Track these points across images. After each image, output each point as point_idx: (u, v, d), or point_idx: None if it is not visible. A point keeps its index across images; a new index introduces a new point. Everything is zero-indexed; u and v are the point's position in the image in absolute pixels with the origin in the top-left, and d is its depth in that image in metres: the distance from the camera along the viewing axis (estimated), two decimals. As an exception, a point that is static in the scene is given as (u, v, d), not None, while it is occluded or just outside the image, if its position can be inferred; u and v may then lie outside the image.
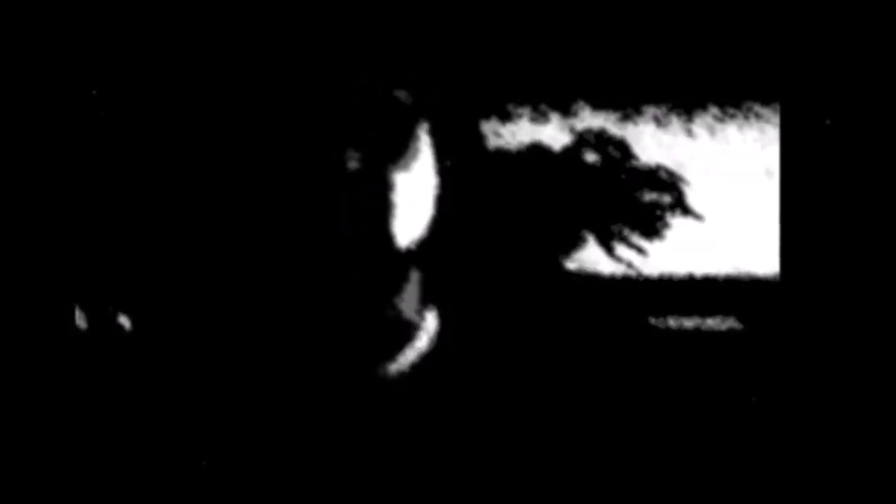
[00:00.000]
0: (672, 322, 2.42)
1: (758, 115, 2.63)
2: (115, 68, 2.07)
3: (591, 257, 2.53)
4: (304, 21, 0.99)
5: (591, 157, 2.55)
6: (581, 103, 2.61)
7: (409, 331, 1.09)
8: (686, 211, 2.56)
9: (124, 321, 1.85)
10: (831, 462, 1.01)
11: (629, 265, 2.53)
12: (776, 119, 2.61)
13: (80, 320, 1.82)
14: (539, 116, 2.57)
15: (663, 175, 2.57)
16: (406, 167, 1.01)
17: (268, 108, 1.00)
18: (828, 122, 0.93)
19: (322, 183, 0.98)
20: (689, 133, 2.66)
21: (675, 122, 2.65)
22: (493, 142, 2.47)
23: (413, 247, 1.02)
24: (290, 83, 1.00)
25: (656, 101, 2.63)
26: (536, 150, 2.52)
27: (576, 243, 2.51)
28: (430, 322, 1.11)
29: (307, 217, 0.99)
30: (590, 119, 2.61)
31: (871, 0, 1.03)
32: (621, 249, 2.54)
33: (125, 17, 2.01)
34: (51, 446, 1.07)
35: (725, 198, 2.62)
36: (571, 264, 2.50)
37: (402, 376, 1.08)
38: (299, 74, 0.99)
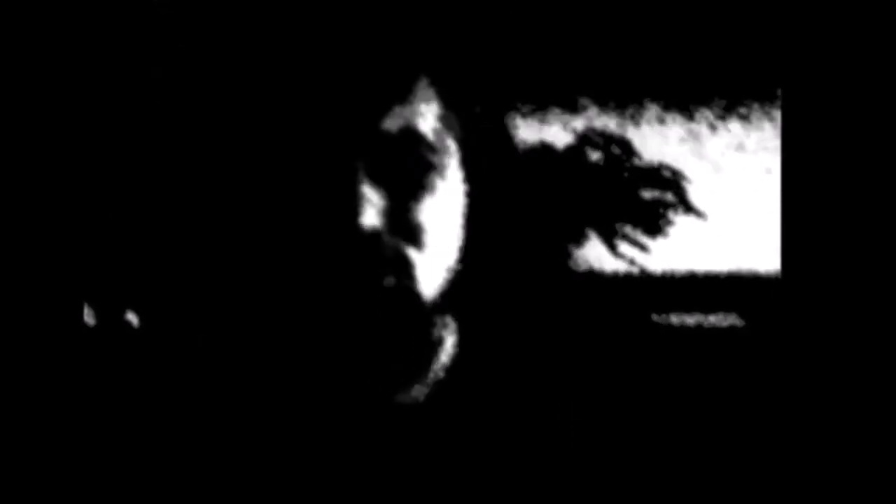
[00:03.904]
0: (674, 319, 2.43)
1: (759, 114, 2.64)
2: (120, 68, 2.07)
3: (594, 255, 2.54)
4: (315, 25, 0.99)
5: (594, 155, 2.56)
6: (584, 102, 2.61)
7: (427, 351, 1.07)
8: (688, 209, 2.57)
9: (132, 318, 1.85)
10: (832, 459, 1.01)
11: (632, 262, 2.54)
12: (777, 117, 2.62)
13: (89, 317, 1.82)
14: (542, 115, 2.58)
15: (666, 173, 2.58)
16: (428, 186, 1.00)
17: (279, 109, 0.99)
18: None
19: (339, 197, 0.97)
20: (691, 132, 2.66)
21: (678, 121, 2.65)
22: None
23: (435, 267, 1.00)
24: (306, 86, 0.99)
25: (659, 101, 2.64)
26: (539, 149, 2.53)
27: (579, 241, 2.51)
28: (449, 340, 1.09)
29: (324, 228, 0.98)
30: (593, 118, 2.62)
31: (871, 0, 1.03)
32: (624, 247, 2.55)
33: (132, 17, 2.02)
34: (58, 442, 1.07)
35: (727, 196, 2.63)
36: (575, 262, 2.51)
37: (422, 398, 1.06)
38: (314, 80, 0.98)
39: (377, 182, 0.98)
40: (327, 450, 1.04)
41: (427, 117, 1.01)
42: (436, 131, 1.01)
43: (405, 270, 0.99)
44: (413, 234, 0.99)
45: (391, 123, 0.98)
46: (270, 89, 1.01)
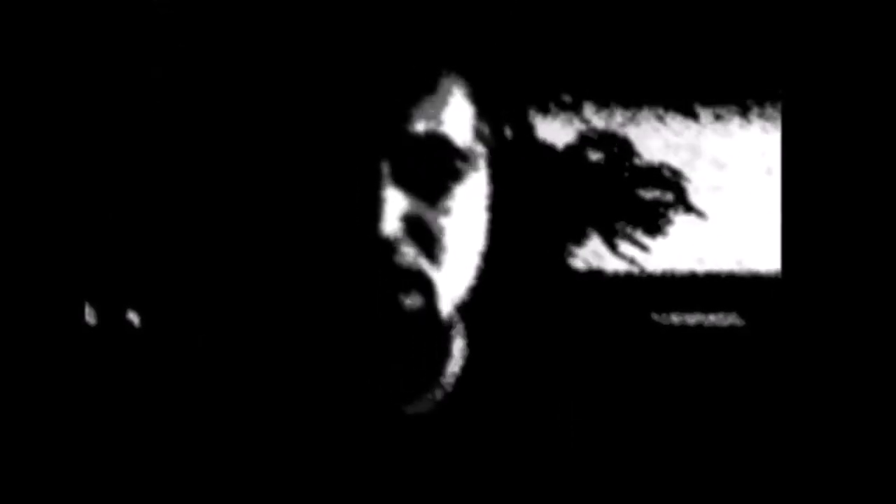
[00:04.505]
0: (675, 318, 2.43)
1: (759, 113, 2.64)
2: (120, 68, 2.08)
3: (594, 255, 2.54)
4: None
5: (594, 155, 2.56)
6: (585, 102, 2.61)
7: (437, 360, 1.05)
8: (688, 208, 2.57)
9: (133, 317, 1.85)
10: (832, 459, 1.01)
11: (632, 262, 2.54)
12: (778, 116, 2.62)
13: (90, 316, 1.82)
14: (543, 115, 2.57)
15: (666, 173, 2.58)
16: (453, 191, 0.95)
17: (287, 107, 0.97)
18: None
19: (355, 200, 0.94)
20: (692, 131, 2.67)
21: (678, 121, 2.66)
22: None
23: (443, 273, 0.97)
24: (320, 84, 0.95)
25: (659, 100, 2.64)
26: (540, 149, 2.53)
27: (580, 241, 2.51)
28: (458, 346, 1.06)
29: (336, 231, 0.95)
30: (593, 118, 2.62)
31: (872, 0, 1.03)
32: (625, 247, 2.55)
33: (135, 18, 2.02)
34: (59, 442, 1.06)
35: (727, 195, 2.63)
36: (576, 262, 2.51)
37: (431, 408, 1.04)
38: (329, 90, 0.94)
39: (400, 185, 0.94)
40: (331, 459, 1.03)
41: (456, 117, 0.97)
42: (465, 133, 0.98)
43: (422, 281, 0.96)
44: (433, 242, 0.96)
45: (418, 123, 0.95)
46: (276, 84, 0.99)
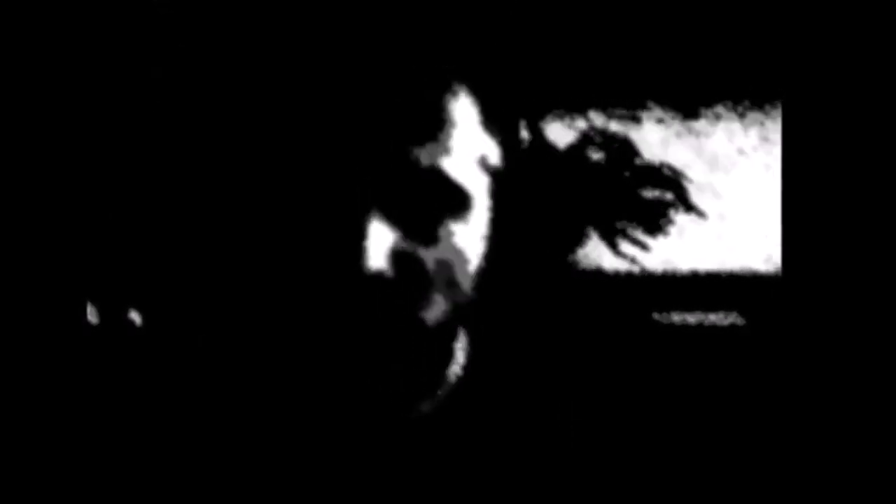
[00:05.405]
0: (675, 317, 2.43)
1: (760, 113, 2.64)
2: (120, 68, 2.08)
3: (595, 254, 2.54)
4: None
5: (595, 155, 2.56)
6: (586, 102, 2.61)
7: (436, 365, 1.04)
8: (689, 208, 2.57)
9: (135, 317, 1.85)
10: (832, 457, 1.01)
11: (633, 261, 2.54)
12: (778, 116, 2.62)
13: (92, 316, 1.82)
14: (543, 115, 2.58)
15: (666, 172, 2.58)
16: (453, 221, 0.94)
17: (284, 108, 0.97)
18: None
19: (348, 208, 0.93)
20: (692, 131, 2.67)
21: (678, 121, 2.66)
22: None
23: (444, 275, 0.95)
24: (315, 87, 0.94)
25: (659, 100, 2.64)
26: (541, 149, 2.53)
27: (581, 241, 2.51)
28: (459, 351, 1.06)
29: (327, 252, 0.95)
30: (594, 118, 2.62)
31: (872, 1, 1.03)
32: (625, 246, 2.55)
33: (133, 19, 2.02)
34: (60, 440, 1.07)
35: (728, 195, 2.63)
36: (577, 262, 2.51)
37: (432, 412, 1.03)
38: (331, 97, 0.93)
39: (401, 188, 0.92)
40: (333, 461, 1.03)
41: (460, 126, 0.95)
42: (469, 142, 0.95)
43: (421, 285, 0.95)
44: (426, 269, 0.94)
45: (422, 150, 0.92)
46: (275, 90, 0.99)
